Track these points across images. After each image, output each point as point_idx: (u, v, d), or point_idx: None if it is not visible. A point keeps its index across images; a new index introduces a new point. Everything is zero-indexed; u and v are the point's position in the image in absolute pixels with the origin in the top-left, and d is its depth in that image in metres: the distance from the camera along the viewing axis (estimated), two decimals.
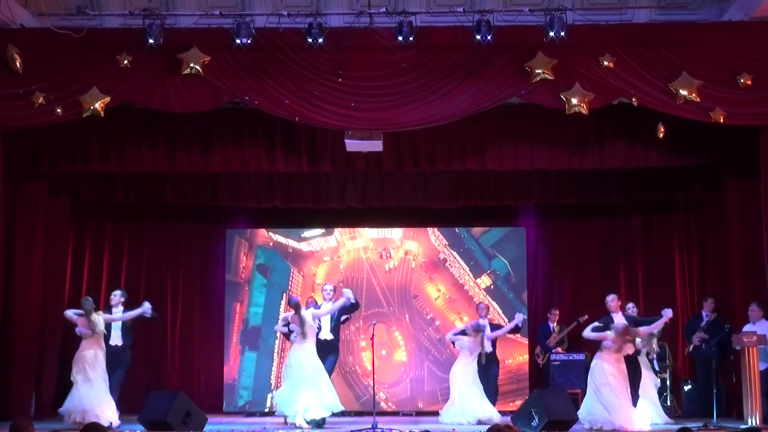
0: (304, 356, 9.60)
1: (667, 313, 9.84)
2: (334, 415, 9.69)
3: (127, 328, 10.45)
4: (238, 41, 9.38)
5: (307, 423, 9.34)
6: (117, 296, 10.58)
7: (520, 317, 10.84)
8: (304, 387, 9.45)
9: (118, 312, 10.41)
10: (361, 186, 11.89)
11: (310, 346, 9.69)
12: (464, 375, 10.35)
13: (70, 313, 9.95)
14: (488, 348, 10.60)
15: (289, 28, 9.61)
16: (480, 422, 9.85)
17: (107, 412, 9.48)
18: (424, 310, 12.19)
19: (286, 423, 9.65)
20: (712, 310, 11.03)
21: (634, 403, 9.45)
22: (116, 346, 10.30)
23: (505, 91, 9.76)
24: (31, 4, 10.03)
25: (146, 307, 10.14)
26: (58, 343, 11.12)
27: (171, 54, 9.53)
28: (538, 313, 12.28)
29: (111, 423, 9.35)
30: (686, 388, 11.27)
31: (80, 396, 9.48)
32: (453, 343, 10.77)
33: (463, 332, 10.59)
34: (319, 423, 9.44)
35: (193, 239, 12.59)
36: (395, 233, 12.38)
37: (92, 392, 9.50)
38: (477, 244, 12.34)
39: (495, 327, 10.91)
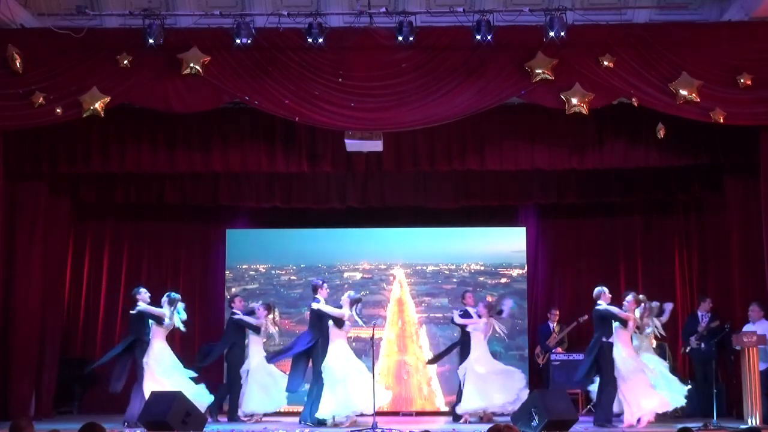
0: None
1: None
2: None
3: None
4: (238, 41, 9.38)
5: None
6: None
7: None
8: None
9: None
10: (361, 186, 11.89)
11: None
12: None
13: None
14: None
15: (289, 28, 9.61)
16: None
17: None
18: (423, 311, 12.23)
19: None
20: (708, 311, 11.03)
21: None
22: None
23: (505, 91, 9.76)
24: (31, 4, 10.03)
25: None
26: (58, 343, 11.15)
27: (171, 54, 9.53)
28: (538, 313, 12.28)
29: None
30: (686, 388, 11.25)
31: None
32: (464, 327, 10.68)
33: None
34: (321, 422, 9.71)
35: (193, 239, 12.58)
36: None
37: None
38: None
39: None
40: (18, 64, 9.51)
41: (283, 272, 12.55)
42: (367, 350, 11.45)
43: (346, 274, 12.41)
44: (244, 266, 12.51)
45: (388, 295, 12.32)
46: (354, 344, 11.57)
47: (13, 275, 10.49)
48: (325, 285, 10.41)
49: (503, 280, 12.36)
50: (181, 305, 10.32)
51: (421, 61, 9.72)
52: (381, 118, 9.81)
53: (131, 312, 10.26)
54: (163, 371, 9.94)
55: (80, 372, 11.21)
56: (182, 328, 10.30)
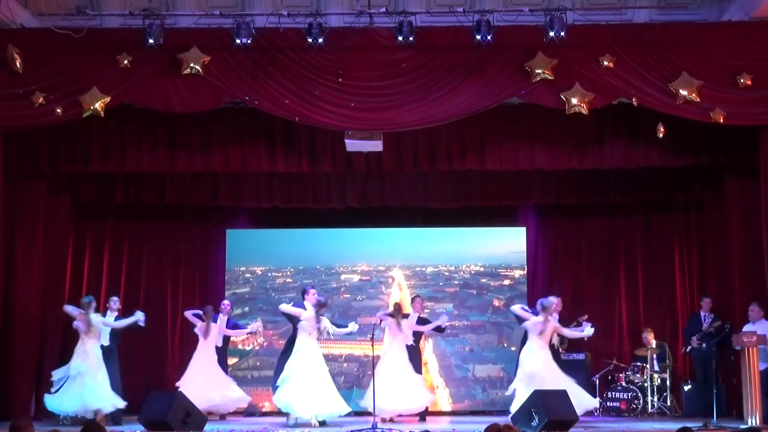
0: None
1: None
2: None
3: (116, 331, 10.53)
4: (238, 41, 9.38)
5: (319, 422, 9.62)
6: (114, 302, 10.71)
7: (444, 319, 10.80)
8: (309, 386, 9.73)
9: (111, 317, 10.56)
10: (361, 186, 11.88)
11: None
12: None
13: (69, 308, 10.23)
14: (409, 340, 10.64)
15: (289, 28, 9.62)
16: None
17: (107, 401, 9.81)
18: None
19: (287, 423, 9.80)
20: (709, 310, 11.04)
21: None
22: (104, 346, 10.32)
23: (505, 91, 9.77)
24: (31, 4, 10.04)
25: (139, 317, 10.36)
26: (58, 342, 11.12)
27: (171, 54, 9.54)
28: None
29: (116, 407, 9.86)
30: (686, 388, 11.26)
31: (80, 390, 9.75)
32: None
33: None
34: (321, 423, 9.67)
35: (193, 239, 12.57)
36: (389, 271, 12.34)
37: (93, 384, 9.81)
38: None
39: (423, 322, 10.91)
40: (18, 64, 9.51)
41: (280, 274, 12.49)
42: (361, 375, 11.46)
43: (343, 276, 12.38)
44: (242, 268, 12.45)
45: (387, 300, 12.13)
46: (345, 365, 11.54)
47: (13, 275, 10.49)
48: (312, 291, 10.32)
49: (506, 282, 12.33)
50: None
51: (421, 61, 9.73)
52: (381, 118, 9.81)
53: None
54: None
55: None
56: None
